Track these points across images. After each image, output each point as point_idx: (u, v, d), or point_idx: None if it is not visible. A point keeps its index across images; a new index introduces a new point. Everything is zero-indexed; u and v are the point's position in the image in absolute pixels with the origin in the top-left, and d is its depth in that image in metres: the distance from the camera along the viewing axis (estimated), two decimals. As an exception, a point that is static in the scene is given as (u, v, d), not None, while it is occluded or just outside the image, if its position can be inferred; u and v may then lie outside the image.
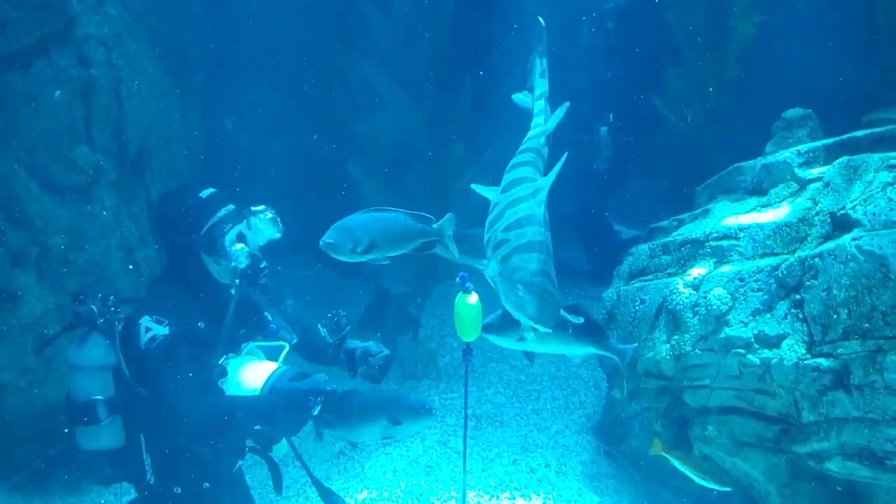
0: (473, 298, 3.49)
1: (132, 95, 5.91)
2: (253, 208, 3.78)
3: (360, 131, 7.32)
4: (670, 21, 8.04)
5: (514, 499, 5.25)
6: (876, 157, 4.50)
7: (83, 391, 3.56)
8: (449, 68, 7.38)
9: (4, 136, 5.26)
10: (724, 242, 4.88)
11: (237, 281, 3.72)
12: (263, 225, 3.77)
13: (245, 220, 3.77)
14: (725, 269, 4.72)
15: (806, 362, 4.06)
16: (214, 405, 3.46)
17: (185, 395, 3.43)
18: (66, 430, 3.68)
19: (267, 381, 3.51)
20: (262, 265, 3.77)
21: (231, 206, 3.81)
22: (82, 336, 3.59)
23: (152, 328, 3.54)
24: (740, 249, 4.79)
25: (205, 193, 3.79)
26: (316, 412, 3.44)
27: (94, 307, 3.59)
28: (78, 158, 5.52)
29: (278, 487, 3.97)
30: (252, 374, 3.57)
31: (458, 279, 3.49)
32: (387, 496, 5.32)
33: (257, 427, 3.55)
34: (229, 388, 3.53)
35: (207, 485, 3.69)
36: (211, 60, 7.94)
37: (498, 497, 5.26)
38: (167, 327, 3.52)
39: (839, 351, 3.95)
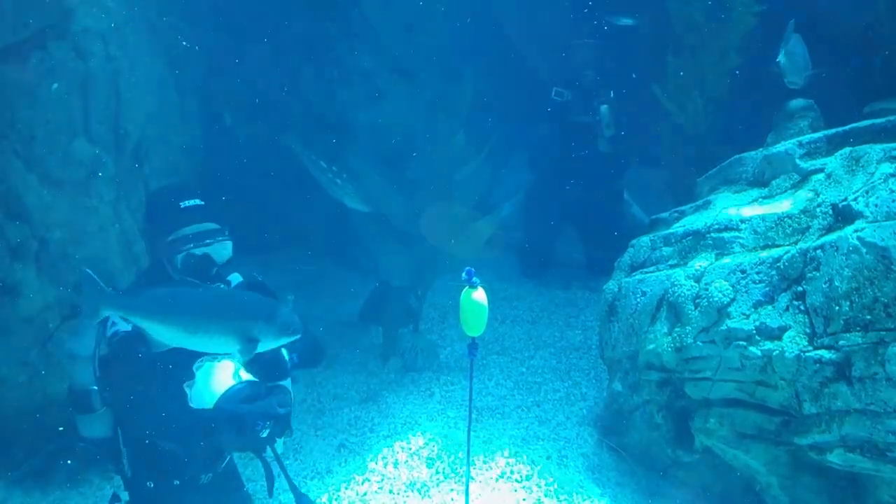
0: (479, 293, 3.46)
1: (130, 88, 5.87)
2: (209, 239, 3.73)
3: (360, 122, 7.30)
4: (670, 9, 7.97)
5: (516, 491, 5.25)
6: (878, 147, 4.48)
7: (80, 380, 3.60)
8: (449, 58, 7.34)
9: (2, 129, 5.23)
10: (726, 234, 4.86)
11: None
12: (221, 248, 3.76)
13: (206, 246, 3.71)
14: (727, 260, 4.71)
15: (807, 354, 4.06)
16: (148, 411, 3.42)
17: (125, 394, 3.42)
18: (69, 418, 3.71)
19: (220, 396, 3.42)
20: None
21: (197, 228, 3.73)
22: (79, 326, 3.61)
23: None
24: (742, 241, 4.77)
25: (186, 203, 3.76)
26: (265, 434, 3.40)
27: None
28: (76, 151, 5.49)
29: (270, 490, 3.97)
30: (215, 384, 3.48)
31: (464, 274, 3.46)
32: (388, 488, 5.32)
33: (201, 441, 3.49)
34: (194, 395, 3.45)
35: (178, 482, 3.69)
36: (209, 53, 7.88)
37: (499, 489, 5.26)
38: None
39: (841, 343, 3.94)
